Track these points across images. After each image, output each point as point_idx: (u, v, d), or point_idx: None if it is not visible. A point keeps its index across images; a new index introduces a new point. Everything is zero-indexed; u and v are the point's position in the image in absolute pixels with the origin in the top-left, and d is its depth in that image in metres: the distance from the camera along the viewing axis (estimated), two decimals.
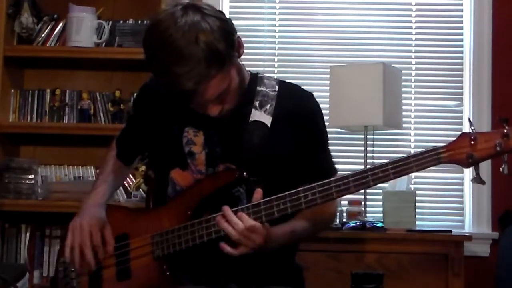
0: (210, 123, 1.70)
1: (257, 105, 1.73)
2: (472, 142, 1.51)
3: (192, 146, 1.72)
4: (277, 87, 1.77)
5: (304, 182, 1.62)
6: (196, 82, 1.52)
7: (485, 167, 3.03)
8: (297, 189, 1.59)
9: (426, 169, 1.55)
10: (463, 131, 1.55)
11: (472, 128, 1.54)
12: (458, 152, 1.52)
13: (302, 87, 1.84)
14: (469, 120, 1.60)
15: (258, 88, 1.75)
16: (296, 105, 1.77)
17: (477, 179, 1.54)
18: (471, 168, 1.54)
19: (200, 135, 1.72)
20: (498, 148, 1.49)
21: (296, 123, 1.75)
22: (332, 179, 1.58)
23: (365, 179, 1.55)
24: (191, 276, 1.71)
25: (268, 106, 1.73)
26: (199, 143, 1.72)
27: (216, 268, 1.70)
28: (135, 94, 1.88)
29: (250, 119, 1.71)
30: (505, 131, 1.49)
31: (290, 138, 1.74)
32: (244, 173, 1.66)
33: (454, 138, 1.54)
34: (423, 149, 1.55)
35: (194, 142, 1.72)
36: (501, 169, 1.53)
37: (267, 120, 1.71)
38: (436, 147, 1.54)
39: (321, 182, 1.58)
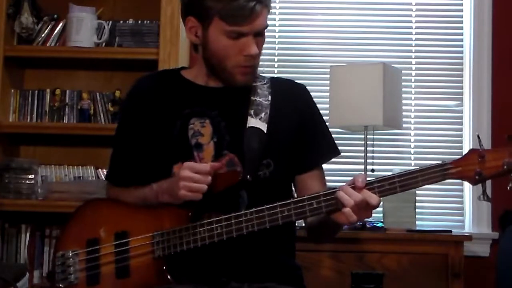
0: (215, 110, 1.74)
1: (252, 113, 1.76)
2: (480, 159, 1.52)
3: (200, 137, 1.73)
4: (270, 97, 1.80)
5: (311, 164, 1.73)
6: None
7: None
8: (302, 197, 1.60)
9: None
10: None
11: (481, 145, 1.54)
12: (466, 169, 1.53)
13: None
14: (478, 136, 1.59)
15: (252, 98, 1.78)
16: (290, 102, 1.81)
17: (484, 197, 1.55)
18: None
19: (208, 125, 1.74)
20: (505, 167, 1.50)
21: (293, 120, 1.78)
22: (338, 189, 1.58)
23: (371, 191, 1.56)
24: (191, 275, 1.70)
25: (263, 114, 1.76)
26: (207, 133, 1.73)
27: (216, 268, 1.70)
28: (126, 98, 1.87)
29: (248, 125, 1.74)
30: None
31: (288, 138, 1.77)
32: (248, 176, 1.67)
33: (462, 154, 1.55)
34: (430, 164, 1.55)
35: (202, 133, 1.74)
36: (508, 187, 1.52)
37: (263, 127, 1.75)
38: (444, 162, 1.55)
39: (326, 192, 1.59)
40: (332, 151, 1.85)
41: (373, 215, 3.17)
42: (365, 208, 1.55)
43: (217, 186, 1.65)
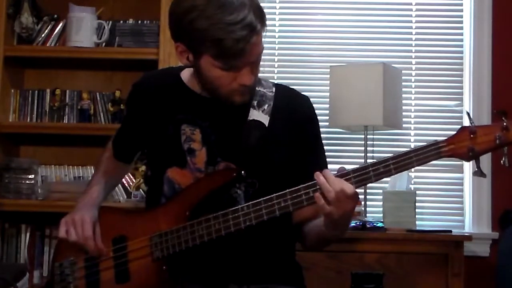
0: (206, 121, 1.72)
1: (255, 104, 1.73)
2: (472, 136, 1.52)
3: (192, 143, 1.72)
4: (274, 88, 1.79)
5: (299, 183, 1.61)
6: (250, 30, 1.54)
7: (485, 167, 3.02)
8: (298, 187, 1.58)
9: (427, 163, 1.56)
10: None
11: (471, 121, 1.55)
12: (459, 146, 1.54)
13: (302, 87, 1.86)
14: (468, 114, 1.61)
15: (257, 89, 1.76)
16: (294, 107, 1.78)
17: (478, 173, 1.56)
18: (471, 162, 1.55)
19: (197, 133, 1.73)
20: (498, 141, 1.50)
21: (293, 125, 1.76)
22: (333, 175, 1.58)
23: (366, 174, 1.55)
24: (191, 277, 1.70)
25: (266, 106, 1.74)
26: (198, 140, 1.72)
27: (216, 268, 1.70)
28: (128, 93, 1.88)
29: (249, 118, 1.72)
30: (505, 124, 1.51)
31: (287, 139, 1.75)
32: (242, 172, 1.66)
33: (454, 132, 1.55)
34: (424, 144, 1.56)
35: (193, 139, 1.72)
36: (501, 161, 1.54)
37: (265, 120, 1.72)
38: (436, 141, 1.56)
39: None
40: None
41: (373, 215, 3.19)
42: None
43: (213, 182, 1.66)
